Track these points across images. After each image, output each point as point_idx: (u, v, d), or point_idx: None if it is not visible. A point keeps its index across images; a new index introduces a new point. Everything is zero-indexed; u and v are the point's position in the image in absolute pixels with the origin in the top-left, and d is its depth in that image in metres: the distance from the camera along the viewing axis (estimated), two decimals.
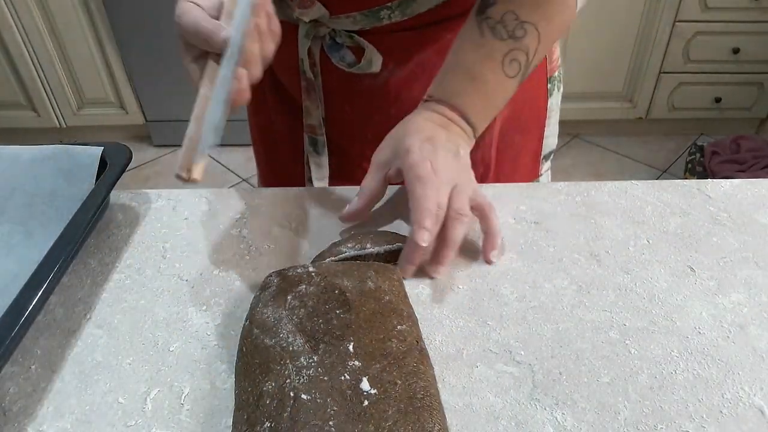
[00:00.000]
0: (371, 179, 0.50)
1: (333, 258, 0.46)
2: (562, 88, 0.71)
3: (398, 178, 0.49)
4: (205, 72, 0.40)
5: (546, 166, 0.75)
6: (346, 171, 0.69)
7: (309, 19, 0.58)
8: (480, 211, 0.48)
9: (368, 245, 0.47)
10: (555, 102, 0.70)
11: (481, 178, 0.67)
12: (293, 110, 0.68)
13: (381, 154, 0.51)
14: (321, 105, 0.65)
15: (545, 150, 0.73)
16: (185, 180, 0.40)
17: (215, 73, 0.40)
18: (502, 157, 0.67)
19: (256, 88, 0.73)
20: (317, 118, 0.66)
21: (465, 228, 0.46)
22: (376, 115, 0.63)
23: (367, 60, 0.59)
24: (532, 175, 0.74)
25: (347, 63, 0.60)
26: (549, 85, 0.68)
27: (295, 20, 0.60)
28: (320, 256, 0.47)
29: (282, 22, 0.44)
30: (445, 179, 0.46)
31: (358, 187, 0.51)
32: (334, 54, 0.60)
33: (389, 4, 0.56)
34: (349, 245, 0.47)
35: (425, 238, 0.43)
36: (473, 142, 0.53)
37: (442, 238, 0.45)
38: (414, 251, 0.44)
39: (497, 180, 0.68)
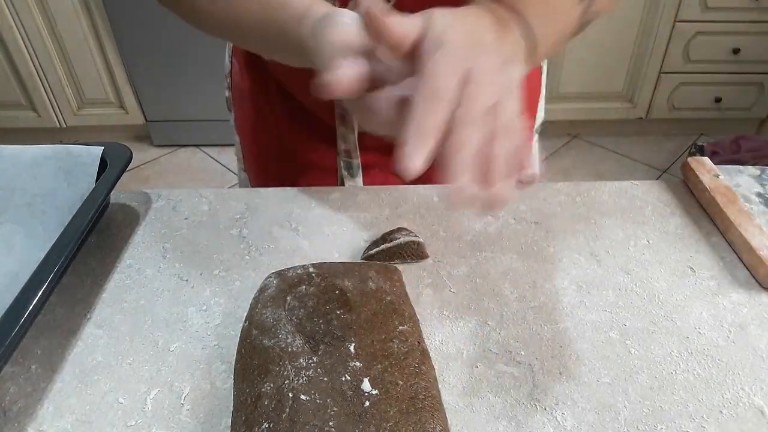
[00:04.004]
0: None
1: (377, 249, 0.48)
2: (546, 62, 0.75)
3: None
4: None
5: (535, 138, 0.78)
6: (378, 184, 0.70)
7: None
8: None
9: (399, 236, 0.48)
10: (544, 79, 0.74)
11: None
12: (315, 133, 0.68)
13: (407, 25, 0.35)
14: (356, 129, 0.65)
15: (537, 123, 0.76)
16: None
17: None
18: None
19: (265, 109, 0.70)
20: (352, 142, 0.66)
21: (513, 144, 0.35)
22: None
23: None
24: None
25: None
26: (541, 63, 0.72)
27: None
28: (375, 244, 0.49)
29: None
30: (486, 91, 0.34)
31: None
32: None
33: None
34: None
35: (411, 162, 0.31)
36: (529, 64, 0.42)
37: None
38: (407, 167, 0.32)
39: None
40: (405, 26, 0.35)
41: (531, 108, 0.74)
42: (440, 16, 0.36)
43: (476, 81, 0.34)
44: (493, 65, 0.35)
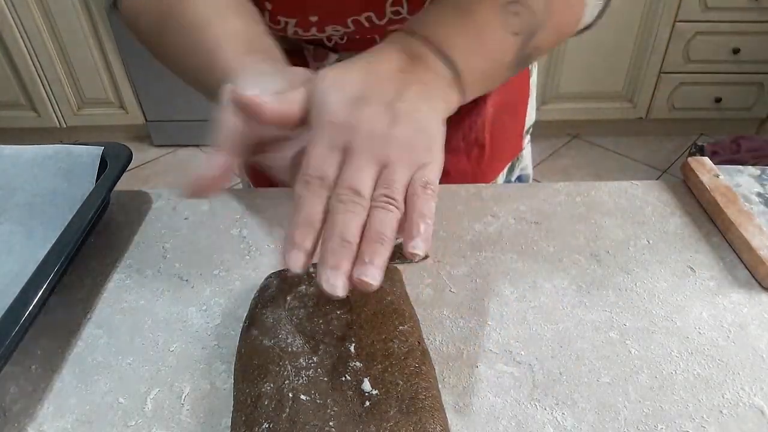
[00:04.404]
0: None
1: None
2: (537, 65, 0.75)
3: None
4: None
5: (527, 139, 0.78)
6: None
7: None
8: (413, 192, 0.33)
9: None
10: (533, 80, 0.74)
11: (477, 161, 0.69)
12: None
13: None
14: None
15: (527, 125, 0.77)
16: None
17: None
18: (495, 138, 0.70)
19: None
20: None
21: (394, 217, 0.32)
22: None
23: None
24: (517, 150, 0.77)
25: None
26: (530, 66, 0.72)
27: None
28: None
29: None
30: (371, 153, 0.32)
31: None
32: None
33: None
34: None
35: (294, 261, 0.31)
36: (460, 96, 0.39)
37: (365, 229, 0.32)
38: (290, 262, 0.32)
39: (490, 159, 0.71)
40: (285, 100, 0.35)
41: (519, 111, 0.74)
42: (325, 77, 0.35)
43: (355, 152, 0.32)
44: (381, 122, 0.33)
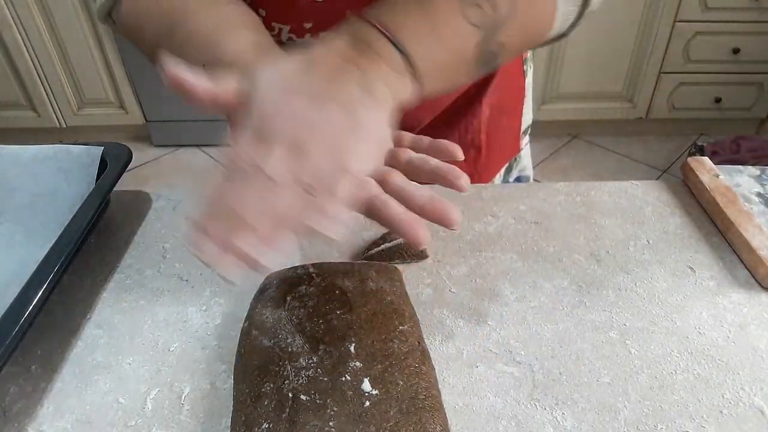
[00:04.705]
0: None
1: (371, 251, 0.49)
2: (532, 66, 0.75)
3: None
4: None
5: (525, 141, 0.78)
6: None
7: None
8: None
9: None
10: (529, 81, 0.74)
11: (473, 162, 0.69)
12: None
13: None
14: None
15: (524, 125, 0.76)
16: None
17: None
18: (491, 139, 0.70)
19: None
20: None
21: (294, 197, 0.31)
22: None
23: None
24: (515, 150, 0.76)
25: None
26: (524, 67, 0.72)
27: None
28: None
29: None
30: (288, 139, 0.32)
31: None
32: None
33: None
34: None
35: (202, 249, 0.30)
36: (413, 85, 0.38)
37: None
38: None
39: (487, 161, 0.70)
40: (218, 85, 0.35)
41: (516, 111, 0.74)
42: (264, 69, 0.36)
43: (274, 140, 0.32)
44: (304, 109, 0.33)
